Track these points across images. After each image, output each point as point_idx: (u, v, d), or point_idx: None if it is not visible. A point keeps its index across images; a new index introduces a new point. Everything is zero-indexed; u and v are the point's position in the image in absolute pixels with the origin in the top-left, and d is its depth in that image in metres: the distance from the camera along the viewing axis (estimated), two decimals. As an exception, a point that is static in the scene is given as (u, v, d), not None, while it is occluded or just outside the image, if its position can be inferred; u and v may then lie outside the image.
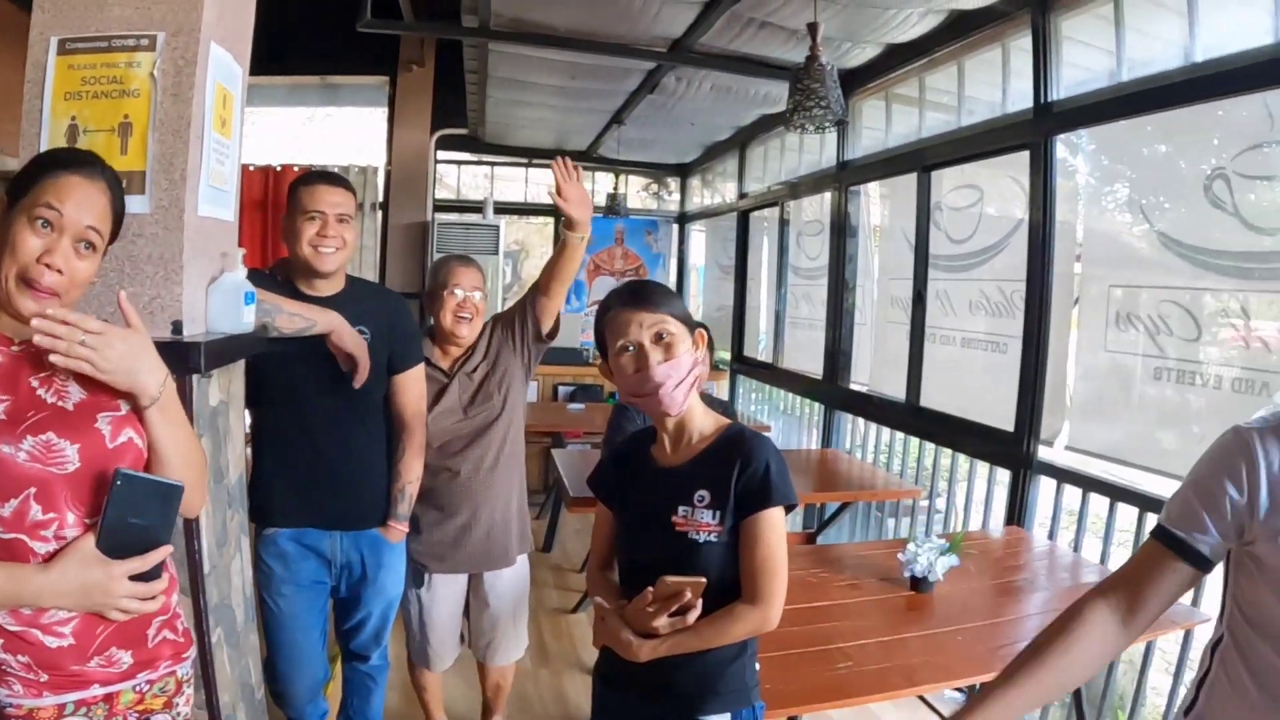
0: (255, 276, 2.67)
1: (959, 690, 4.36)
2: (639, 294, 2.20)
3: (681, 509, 2.14)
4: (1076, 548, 4.38)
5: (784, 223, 8.09)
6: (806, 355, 7.52)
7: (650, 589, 2.07)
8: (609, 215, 9.59)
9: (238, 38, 2.61)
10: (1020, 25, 4.75)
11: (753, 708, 2.23)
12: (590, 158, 9.97)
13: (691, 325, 2.23)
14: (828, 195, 7.06)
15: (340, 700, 3.64)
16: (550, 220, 10.72)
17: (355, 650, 3.43)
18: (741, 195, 9.06)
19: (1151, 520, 3.98)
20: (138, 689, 1.80)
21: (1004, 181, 5.17)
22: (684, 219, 11.04)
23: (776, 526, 2.11)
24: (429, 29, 6.38)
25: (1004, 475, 4.92)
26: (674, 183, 11.13)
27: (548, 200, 10.46)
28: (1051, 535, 4.51)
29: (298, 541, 3.13)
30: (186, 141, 2.32)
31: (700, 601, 2.06)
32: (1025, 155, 4.72)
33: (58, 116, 2.31)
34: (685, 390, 2.17)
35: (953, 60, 5.55)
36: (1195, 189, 3.85)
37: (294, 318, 2.77)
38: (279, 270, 3.16)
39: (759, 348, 8.95)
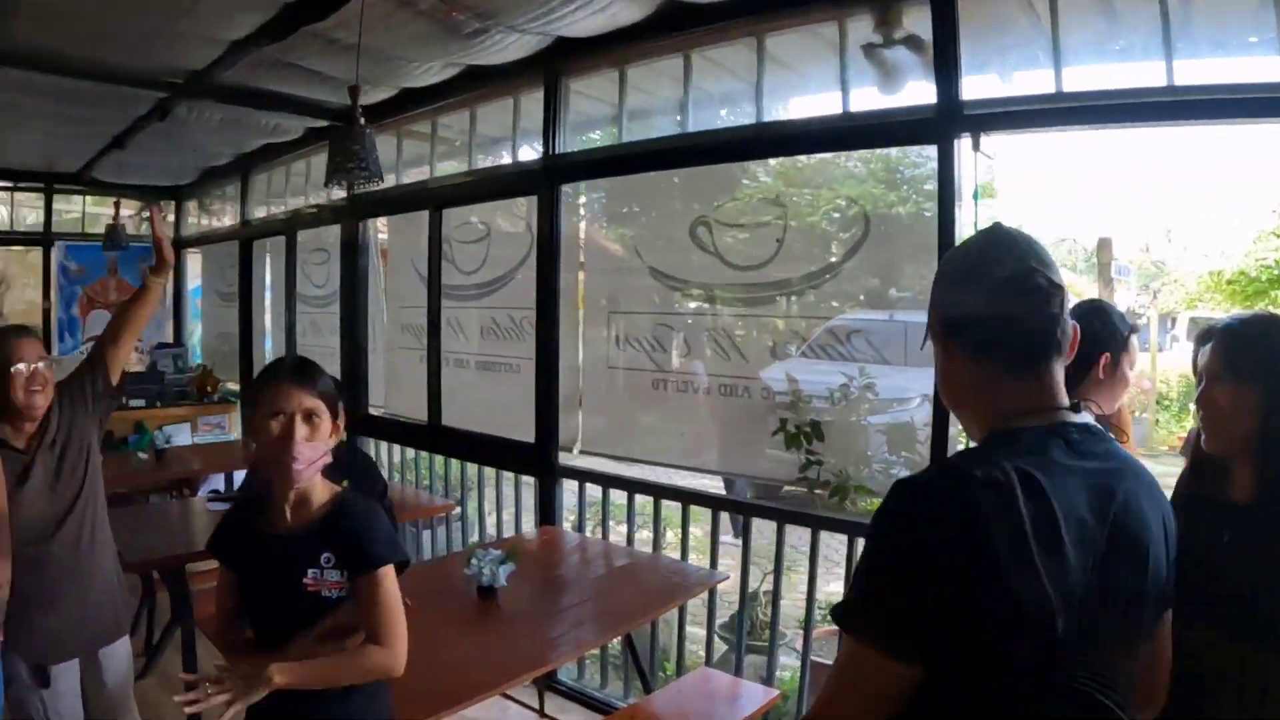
0: None
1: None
2: (302, 371, 2.37)
3: (311, 571, 2.30)
4: (605, 535, 5.07)
5: (291, 249, 8.06)
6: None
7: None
8: (110, 249, 9.05)
9: None
10: (533, 81, 5.26)
11: None
12: (81, 180, 9.28)
13: (336, 408, 2.40)
14: (337, 225, 7.18)
15: None
16: (38, 249, 9.78)
17: None
18: (245, 222, 8.91)
19: (667, 505, 4.76)
20: None
21: (510, 218, 5.71)
22: (180, 245, 10.43)
23: (390, 579, 2.35)
24: None
25: (525, 479, 5.47)
26: (168, 206, 10.47)
27: (30, 224, 9.78)
28: (580, 528, 5.11)
29: None
30: None
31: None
32: (533, 197, 5.29)
33: None
34: (317, 469, 2.36)
35: (466, 106, 5.96)
36: (683, 232, 4.60)
37: None
38: None
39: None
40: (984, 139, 3.52)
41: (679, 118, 4.73)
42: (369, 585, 2.30)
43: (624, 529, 5.03)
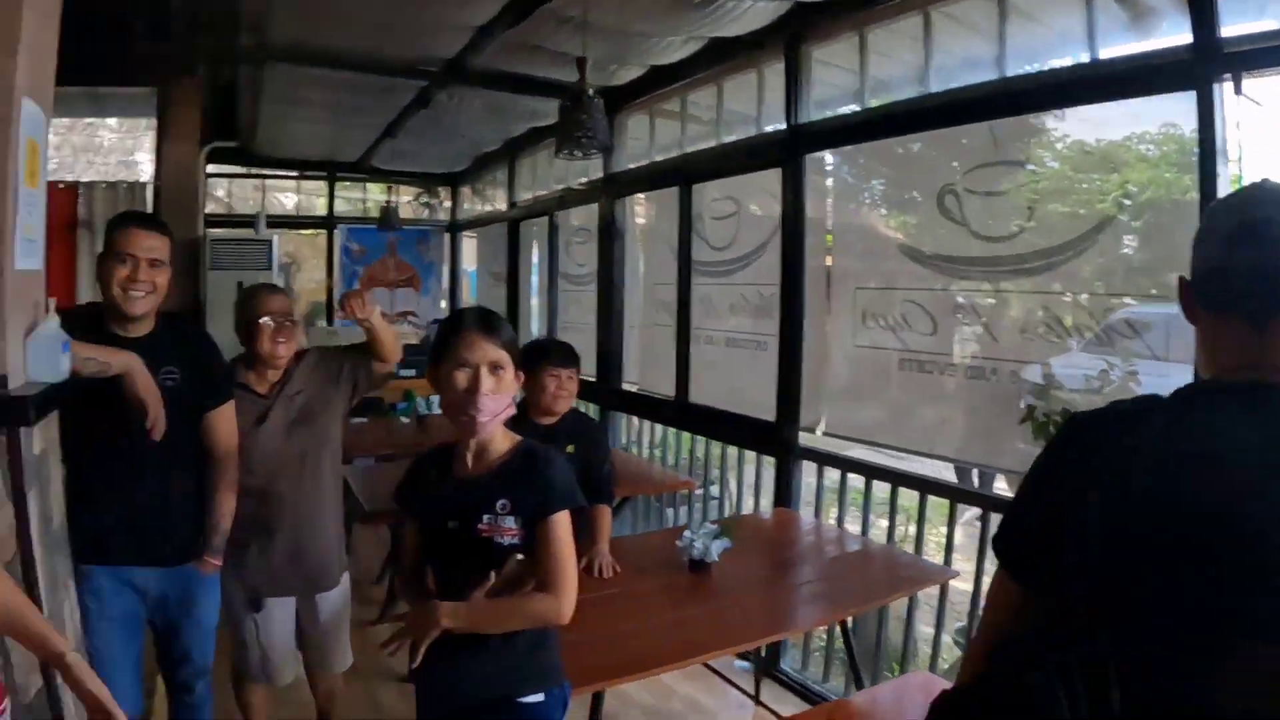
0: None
1: (744, 659, 4.69)
2: (488, 322, 2.33)
3: (486, 517, 2.28)
4: (840, 522, 4.78)
5: (554, 230, 8.26)
6: (583, 358, 7.38)
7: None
8: (383, 229, 9.52)
9: (43, 84, 2.57)
10: (775, 52, 5.08)
11: (562, 686, 2.41)
12: (362, 169, 9.92)
13: (519, 360, 2.39)
14: (595, 205, 7.25)
15: None
16: (323, 232, 10.60)
17: (181, 684, 3.36)
18: (512, 204, 9.18)
19: (905, 494, 4.44)
20: None
21: (760, 193, 5.51)
22: (455, 227, 11.04)
23: (565, 527, 2.30)
24: (205, 47, 6.24)
25: (767, 459, 5.27)
26: (445, 191, 11.06)
27: (321, 211, 10.47)
28: (817, 513, 4.90)
29: (114, 578, 3.06)
30: (4, 200, 2.30)
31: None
32: (779, 171, 5.08)
33: None
34: (500, 420, 2.35)
35: (713, 81, 5.85)
36: (930, 201, 4.29)
37: (87, 361, 2.72)
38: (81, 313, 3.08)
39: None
40: (1247, 81, 3.04)
41: (921, 84, 4.41)
42: (542, 531, 2.27)
43: (862, 515, 4.80)
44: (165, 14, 6.03)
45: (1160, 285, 3.55)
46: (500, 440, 2.40)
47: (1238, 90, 3.06)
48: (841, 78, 4.99)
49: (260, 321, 3.41)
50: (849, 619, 3.77)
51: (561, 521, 2.29)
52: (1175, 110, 3.38)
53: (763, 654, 4.69)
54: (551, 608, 2.25)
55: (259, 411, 3.47)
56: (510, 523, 2.28)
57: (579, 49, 4.90)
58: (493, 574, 2.26)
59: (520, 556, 2.28)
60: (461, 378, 2.27)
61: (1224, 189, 3.08)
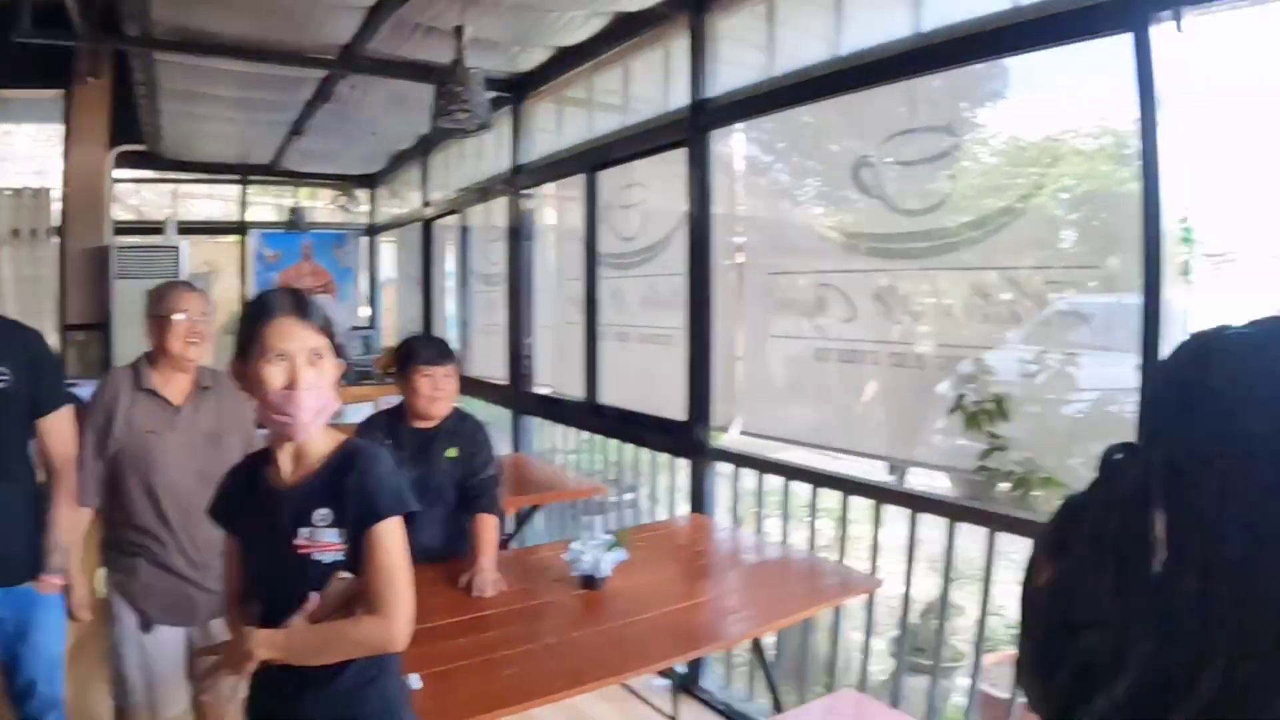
0: None
1: (665, 676, 4.29)
2: (301, 303, 2.01)
3: (303, 531, 1.95)
4: (759, 528, 4.38)
5: (465, 230, 7.89)
6: (495, 361, 7.19)
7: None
8: (290, 230, 9.06)
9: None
10: (682, 27, 4.70)
11: None
12: (274, 171, 9.50)
13: (337, 344, 2.07)
14: (506, 200, 6.88)
15: None
16: (240, 238, 10.11)
17: (29, 718, 3.03)
18: (425, 204, 8.80)
19: (826, 495, 4.02)
20: None
21: (669, 179, 5.10)
22: (374, 230, 10.64)
23: (394, 537, 1.95)
24: (92, 39, 5.89)
25: (685, 464, 4.86)
26: (363, 194, 10.69)
27: (237, 217, 10.03)
28: (735, 518, 4.52)
29: None
30: None
31: None
32: (685, 152, 4.69)
33: None
34: (325, 417, 2.01)
35: (619, 62, 5.48)
36: (844, 175, 3.89)
37: None
38: None
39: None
40: (1190, 15, 2.62)
41: (833, 51, 3.97)
42: (367, 542, 1.93)
43: (784, 521, 4.37)
44: (62, 11, 5.64)
45: (1099, 277, 3.18)
46: (321, 441, 2.04)
47: (1179, 27, 2.64)
48: (750, 55, 4.58)
49: (172, 318, 3.08)
50: (766, 635, 3.41)
51: (389, 530, 1.94)
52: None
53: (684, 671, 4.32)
54: (379, 632, 1.91)
55: (168, 417, 3.12)
56: (331, 536, 1.94)
57: (484, 30, 4.72)
58: (314, 596, 1.92)
59: (345, 574, 1.94)
60: (276, 373, 1.93)
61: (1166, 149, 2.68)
